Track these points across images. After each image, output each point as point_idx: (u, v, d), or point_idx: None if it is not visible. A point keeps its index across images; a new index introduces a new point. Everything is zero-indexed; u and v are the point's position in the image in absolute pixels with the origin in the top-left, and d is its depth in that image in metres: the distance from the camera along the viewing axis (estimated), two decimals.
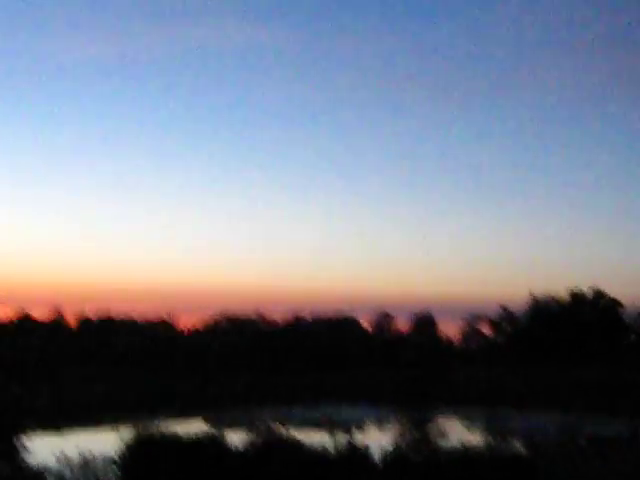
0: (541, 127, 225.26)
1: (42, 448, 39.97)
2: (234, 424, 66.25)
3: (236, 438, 22.34)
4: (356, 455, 20.34)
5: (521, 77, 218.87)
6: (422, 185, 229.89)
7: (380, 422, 74.49)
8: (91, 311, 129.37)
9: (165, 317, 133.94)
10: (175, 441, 21.31)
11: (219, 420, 71.71)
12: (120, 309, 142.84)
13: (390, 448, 22.46)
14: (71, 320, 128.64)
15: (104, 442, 39.19)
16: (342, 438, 21.65)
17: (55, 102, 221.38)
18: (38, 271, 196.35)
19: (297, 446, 19.94)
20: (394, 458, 21.14)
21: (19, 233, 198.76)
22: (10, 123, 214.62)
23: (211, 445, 20.79)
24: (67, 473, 31.47)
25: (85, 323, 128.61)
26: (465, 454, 21.63)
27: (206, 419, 71.79)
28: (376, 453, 21.80)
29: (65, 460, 32.10)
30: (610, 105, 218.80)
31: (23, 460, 34.28)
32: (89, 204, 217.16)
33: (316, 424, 69.11)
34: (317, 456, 19.86)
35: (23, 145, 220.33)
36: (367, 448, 21.02)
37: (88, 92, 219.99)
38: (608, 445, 57.06)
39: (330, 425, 68.50)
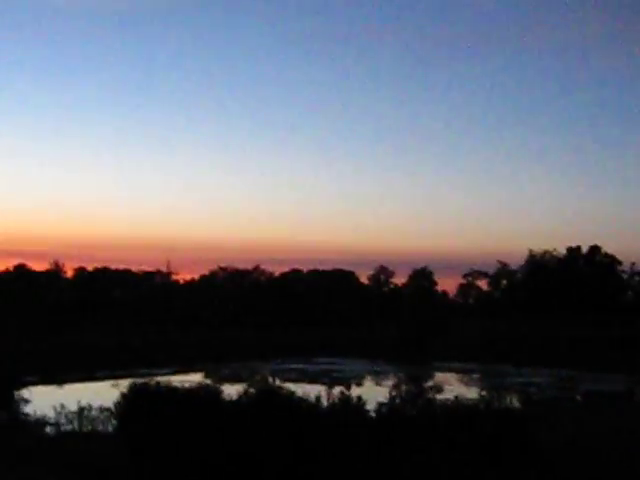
0: (545, 86, 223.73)
1: (41, 399, 40.28)
2: (232, 377, 66.71)
3: (233, 390, 22.48)
4: (350, 407, 20.44)
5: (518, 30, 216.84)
6: (421, 141, 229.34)
7: (378, 377, 74.62)
8: (89, 263, 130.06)
9: (162, 268, 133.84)
10: (170, 391, 21.56)
11: (217, 373, 72.11)
12: (119, 261, 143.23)
13: (385, 401, 22.52)
14: (68, 271, 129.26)
15: (103, 394, 39.51)
16: (337, 392, 21.67)
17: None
18: (38, 225, 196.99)
19: (290, 397, 20.04)
20: (388, 411, 21.26)
21: (20, 187, 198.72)
22: None
23: (205, 395, 20.99)
24: (64, 422, 31.97)
25: (82, 274, 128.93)
26: (457, 407, 21.74)
27: (205, 373, 72.05)
28: (371, 406, 21.86)
29: (62, 410, 32.55)
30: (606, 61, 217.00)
31: (20, 410, 34.60)
32: (90, 158, 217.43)
33: (314, 378, 69.51)
34: (309, 406, 19.98)
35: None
36: (361, 400, 21.05)
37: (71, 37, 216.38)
38: (603, 400, 57.64)
39: (328, 379, 69.21)
